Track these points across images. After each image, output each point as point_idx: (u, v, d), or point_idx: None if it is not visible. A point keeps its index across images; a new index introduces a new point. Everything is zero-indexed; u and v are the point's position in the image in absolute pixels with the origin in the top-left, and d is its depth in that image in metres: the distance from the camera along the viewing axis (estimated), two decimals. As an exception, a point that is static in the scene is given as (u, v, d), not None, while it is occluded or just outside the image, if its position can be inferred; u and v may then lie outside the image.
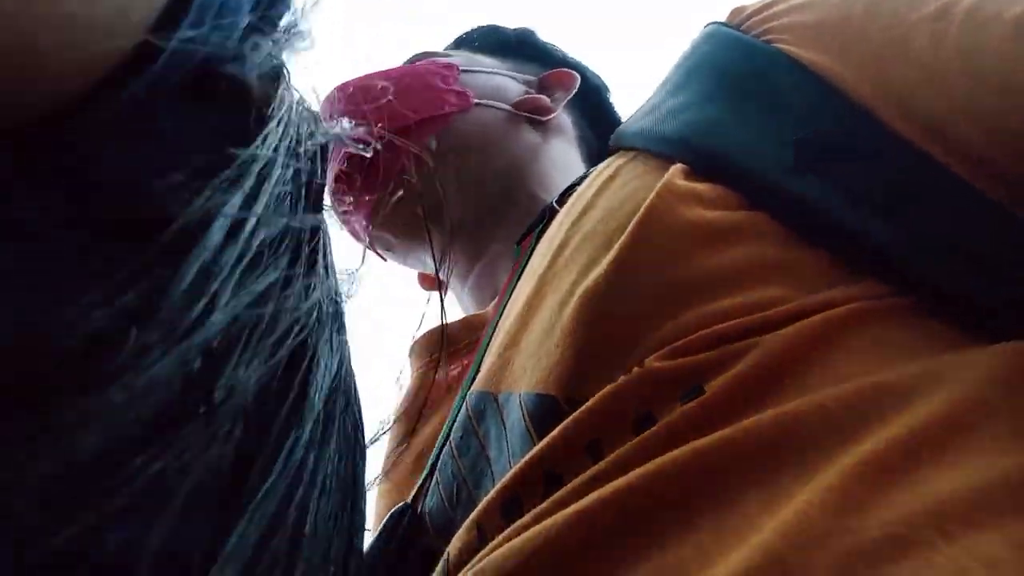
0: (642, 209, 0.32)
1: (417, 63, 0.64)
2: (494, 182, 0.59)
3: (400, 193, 0.57)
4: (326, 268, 0.24)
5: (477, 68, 0.64)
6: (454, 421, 0.40)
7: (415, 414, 0.48)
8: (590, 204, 0.38)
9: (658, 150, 0.37)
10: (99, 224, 0.17)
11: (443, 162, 0.58)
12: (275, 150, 0.21)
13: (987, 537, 0.20)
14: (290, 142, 0.22)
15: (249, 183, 0.19)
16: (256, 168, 0.20)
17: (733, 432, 0.25)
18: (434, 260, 0.62)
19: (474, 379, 0.40)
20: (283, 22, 0.23)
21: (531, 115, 0.62)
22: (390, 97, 0.58)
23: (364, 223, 0.61)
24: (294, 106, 0.23)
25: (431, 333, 0.53)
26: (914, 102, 0.30)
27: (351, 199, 0.59)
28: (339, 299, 0.26)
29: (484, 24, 0.73)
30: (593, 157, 0.67)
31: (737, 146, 0.34)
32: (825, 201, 0.30)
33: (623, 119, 0.70)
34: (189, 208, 0.17)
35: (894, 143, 0.30)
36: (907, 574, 0.19)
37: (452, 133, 0.59)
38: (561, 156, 0.64)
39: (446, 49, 0.72)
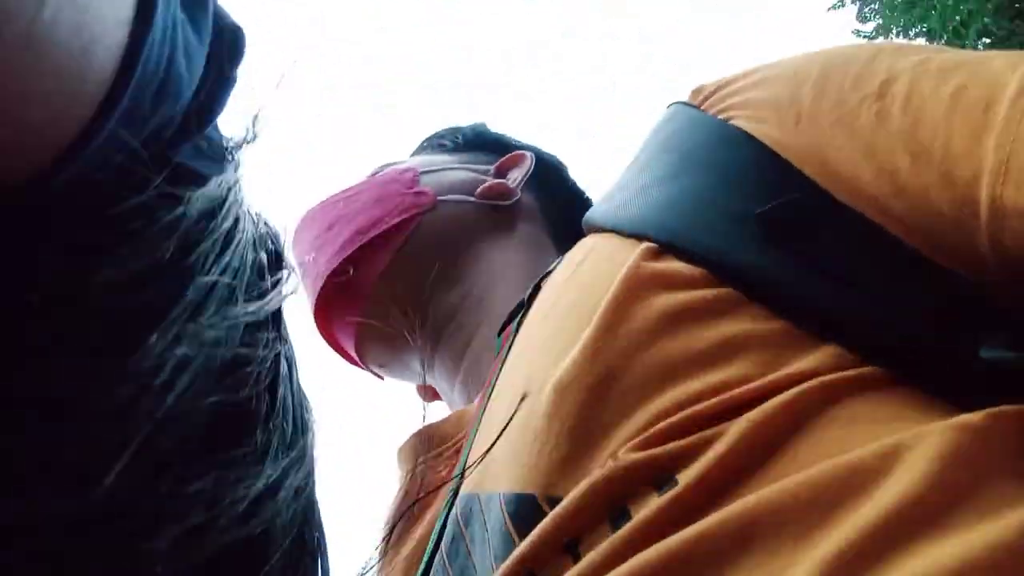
0: (608, 296, 0.33)
1: (376, 175, 0.65)
2: (470, 275, 0.59)
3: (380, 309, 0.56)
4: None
5: (434, 168, 0.65)
6: (443, 525, 0.39)
7: (404, 518, 0.45)
8: (562, 291, 0.38)
9: (624, 230, 0.37)
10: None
11: (417, 265, 0.58)
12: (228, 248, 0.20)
13: None
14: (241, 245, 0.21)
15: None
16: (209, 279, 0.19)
17: (706, 526, 0.25)
18: (422, 364, 0.61)
19: (461, 480, 0.39)
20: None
21: (494, 201, 0.62)
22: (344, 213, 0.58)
23: (353, 346, 0.61)
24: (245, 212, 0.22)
25: (419, 433, 0.51)
26: (859, 181, 0.31)
27: (335, 324, 0.59)
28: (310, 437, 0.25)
29: (442, 128, 0.75)
30: (563, 238, 0.67)
31: (700, 223, 0.34)
32: (788, 274, 0.31)
33: (586, 193, 0.71)
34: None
35: (846, 216, 0.31)
36: None
37: (421, 233, 0.59)
38: (532, 239, 0.64)
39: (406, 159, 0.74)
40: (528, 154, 0.66)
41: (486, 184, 0.63)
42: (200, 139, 0.22)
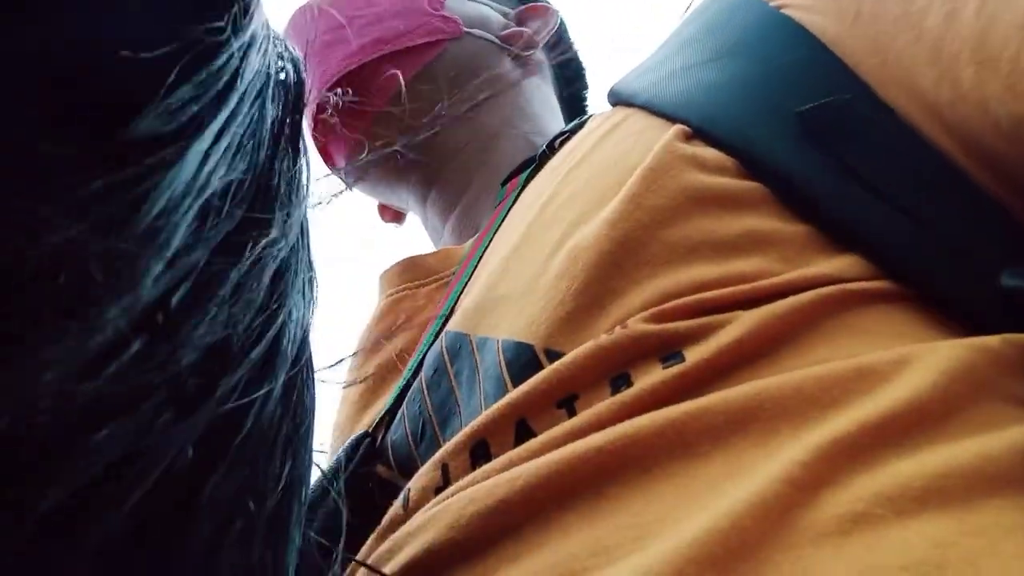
0: (640, 169, 0.32)
1: None
2: (483, 116, 0.58)
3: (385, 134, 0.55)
4: (299, 208, 0.22)
5: None
6: (423, 356, 0.40)
7: (382, 336, 0.47)
8: (585, 158, 0.37)
9: (659, 109, 0.36)
10: (56, 106, 0.15)
11: (431, 92, 0.56)
12: (251, 67, 0.19)
13: (939, 520, 0.21)
14: (274, 67, 0.20)
15: (227, 110, 0.17)
16: (236, 80, 0.18)
17: (707, 401, 0.25)
18: (418, 197, 0.61)
19: (448, 316, 0.40)
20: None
21: (515, 48, 0.61)
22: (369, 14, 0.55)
23: (345, 157, 0.60)
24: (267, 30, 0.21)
25: (404, 262, 0.53)
26: (918, 85, 0.30)
27: (332, 128, 0.58)
28: (309, 241, 0.24)
29: None
30: (565, 100, 0.67)
31: (739, 113, 0.33)
32: (823, 177, 0.30)
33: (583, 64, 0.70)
34: (166, 120, 0.15)
35: (894, 125, 0.30)
36: (859, 547, 0.20)
37: (444, 61, 0.57)
38: (543, 95, 0.63)
39: None
40: (553, 10, 0.64)
41: (512, 30, 0.61)
42: None
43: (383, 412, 0.40)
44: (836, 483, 0.22)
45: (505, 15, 0.64)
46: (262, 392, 0.19)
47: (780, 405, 0.25)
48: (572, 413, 0.28)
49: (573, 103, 0.70)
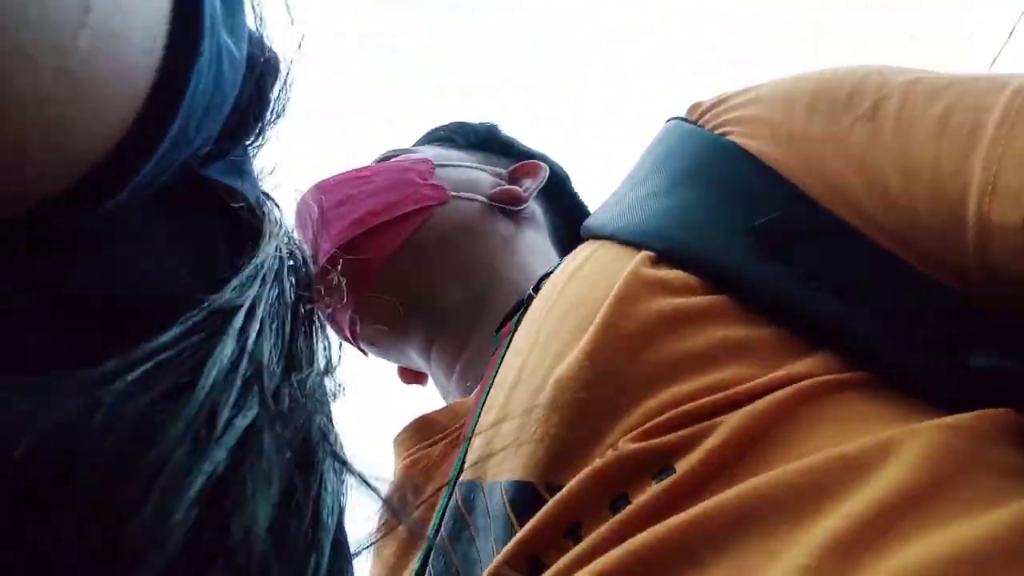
0: (610, 298, 0.34)
1: (391, 159, 0.66)
2: (475, 272, 0.61)
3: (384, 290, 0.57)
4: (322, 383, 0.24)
5: (449, 163, 0.66)
6: (443, 512, 0.40)
7: (412, 499, 0.47)
8: (562, 292, 0.39)
9: (625, 238, 0.39)
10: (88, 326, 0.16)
11: (425, 255, 0.59)
12: (270, 266, 0.21)
13: None
14: (281, 261, 0.22)
15: (251, 294, 0.19)
16: (263, 271, 0.20)
17: (702, 510, 0.26)
18: (421, 354, 0.62)
19: (461, 468, 0.41)
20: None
21: (505, 205, 0.64)
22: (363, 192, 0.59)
23: (350, 319, 0.62)
24: (282, 224, 0.23)
25: (416, 422, 0.53)
26: (852, 196, 0.33)
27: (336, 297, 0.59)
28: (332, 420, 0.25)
29: (451, 121, 0.76)
30: (563, 244, 0.69)
31: (699, 234, 0.36)
32: (784, 283, 0.32)
33: (587, 206, 0.72)
34: (206, 310, 0.17)
35: (840, 230, 0.32)
36: None
37: (432, 226, 0.60)
38: (535, 244, 0.66)
39: (414, 145, 0.75)
40: (543, 165, 0.68)
41: (500, 188, 0.65)
42: (233, 154, 0.23)
43: (415, 570, 0.40)
44: None
45: (499, 175, 0.68)
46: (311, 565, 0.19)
47: (774, 504, 0.25)
48: (578, 540, 0.29)
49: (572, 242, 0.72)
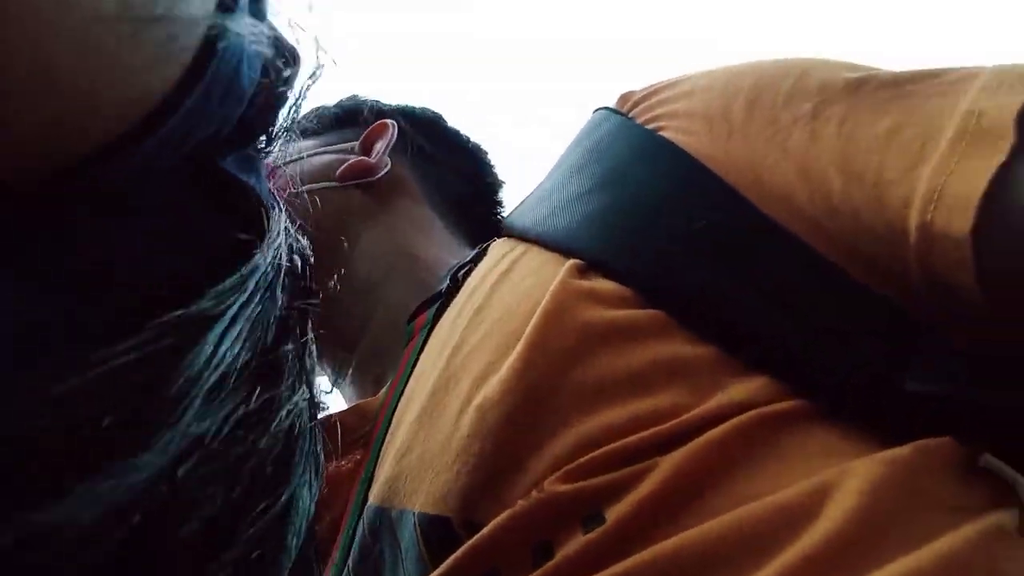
0: (539, 312, 0.32)
1: None
2: (351, 262, 0.56)
3: None
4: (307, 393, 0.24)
5: (292, 158, 0.61)
6: (351, 536, 0.37)
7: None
8: (486, 302, 0.37)
9: (552, 244, 0.36)
10: (78, 295, 0.16)
11: None
12: (263, 275, 0.20)
13: None
14: (277, 269, 0.22)
15: (242, 297, 0.19)
16: (253, 279, 0.19)
17: (629, 566, 0.25)
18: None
19: (369, 482, 0.38)
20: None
21: (359, 180, 0.59)
22: None
23: None
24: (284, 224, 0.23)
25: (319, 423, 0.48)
26: (792, 200, 0.31)
27: None
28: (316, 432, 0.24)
29: (311, 109, 0.69)
30: (444, 204, 0.64)
31: (629, 242, 0.34)
32: (717, 298, 0.31)
33: (470, 140, 0.68)
34: (194, 306, 0.17)
35: (779, 237, 0.31)
36: None
37: None
38: (410, 213, 0.61)
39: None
40: (389, 123, 0.62)
41: (346, 164, 0.59)
42: (247, 150, 0.21)
43: None
44: None
45: (350, 150, 0.62)
46: None
47: (706, 559, 0.24)
48: None
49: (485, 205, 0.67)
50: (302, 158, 0.60)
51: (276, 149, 0.23)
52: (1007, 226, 0.26)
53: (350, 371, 0.56)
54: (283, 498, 0.20)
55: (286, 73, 0.22)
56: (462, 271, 0.45)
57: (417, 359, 0.41)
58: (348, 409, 0.49)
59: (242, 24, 0.18)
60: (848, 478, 0.24)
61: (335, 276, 0.53)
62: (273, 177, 0.57)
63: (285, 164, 0.58)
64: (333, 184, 0.58)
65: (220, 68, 0.18)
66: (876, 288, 0.29)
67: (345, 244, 0.57)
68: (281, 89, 0.22)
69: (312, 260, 0.24)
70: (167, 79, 0.16)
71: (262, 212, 0.21)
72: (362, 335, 0.56)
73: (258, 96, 0.21)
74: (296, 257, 0.24)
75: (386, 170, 0.59)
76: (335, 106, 0.68)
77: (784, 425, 0.28)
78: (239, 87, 0.19)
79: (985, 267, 0.26)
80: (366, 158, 0.60)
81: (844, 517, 0.23)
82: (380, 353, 0.54)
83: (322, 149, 0.62)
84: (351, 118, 0.66)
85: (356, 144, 0.62)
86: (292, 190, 0.56)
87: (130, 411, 0.15)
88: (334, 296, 0.54)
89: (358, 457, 0.45)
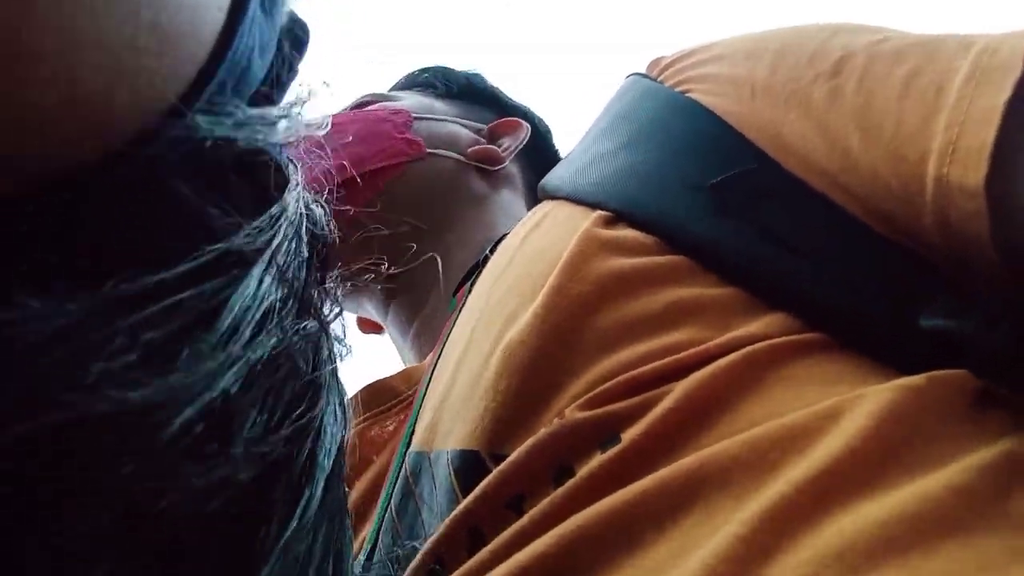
0: (563, 259, 0.33)
1: (368, 108, 0.63)
2: (443, 231, 0.59)
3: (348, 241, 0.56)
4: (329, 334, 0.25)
5: (428, 115, 0.64)
6: (395, 483, 0.39)
7: (350, 472, 0.46)
8: (515, 255, 0.38)
9: (581, 198, 0.37)
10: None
11: (393, 211, 0.57)
12: (292, 214, 0.22)
13: (892, 572, 0.20)
14: (301, 215, 0.23)
15: (275, 238, 0.20)
16: (280, 228, 0.20)
17: (646, 484, 0.25)
18: (379, 311, 0.61)
19: (411, 436, 0.40)
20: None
21: (482, 164, 0.62)
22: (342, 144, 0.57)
23: None
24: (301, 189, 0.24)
25: (368, 389, 0.52)
26: (812, 155, 0.32)
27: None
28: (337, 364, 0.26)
29: (434, 66, 0.73)
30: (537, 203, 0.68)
31: (655, 193, 0.35)
32: (739, 243, 0.31)
33: None
34: (232, 243, 0.18)
35: (798, 189, 0.32)
36: None
37: (404, 182, 0.58)
38: (509, 205, 0.64)
39: (393, 89, 0.72)
40: (525, 125, 0.66)
41: (478, 147, 0.63)
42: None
43: (367, 548, 0.39)
44: (780, 549, 0.22)
45: (478, 131, 0.66)
46: (304, 496, 0.20)
47: (719, 478, 0.24)
48: (520, 513, 0.28)
49: None
50: (436, 120, 0.63)
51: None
52: (1021, 175, 0.26)
53: (411, 336, 0.59)
54: (316, 417, 0.21)
55: (298, 51, 0.23)
56: (501, 240, 0.46)
57: (456, 323, 0.43)
58: (397, 373, 0.52)
59: (255, 10, 0.19)
60: (860, 402, 0.25)
61: (419, 240, 0.57)
62: (406, 128, 0.60)
63: (420, 119, 0.62)
64: (460, 158, 0.61)
65: (233, 61, 0.18)
66: (892, 237, 0.30)
67: (444, 217, 0.59)
68: (293, 69, 0.23)
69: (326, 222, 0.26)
70: (183, 80, 0.17)
71: (280, 170, 0.22)
72: (425, 304, 0.58)
73: (270, 75, 0.21)
74: (315, 208, 0.25)
75: (507, 164, 0.63)
76: (464, 75, 0.71)
77: (798, 354, 0.28)
78: (251, 77, 0.20)
79: (999, 218, 0.26)
80: (496, 148, 0.63)
81: (853, 438, 0.23)
82: (434, 322, 0.56)
83: (454, 119, 0.65)
84: (475, 95, 0.70)
85: (485, 128, 0.66)
86: (424, 148, 0.60)
87: (188, 340, 0.16)
88: (415, 265, 0.57)
89: (402, 418, 0.48)
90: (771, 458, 0.24)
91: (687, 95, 0.38)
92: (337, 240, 0.29)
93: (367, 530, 0.43)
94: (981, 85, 0.27)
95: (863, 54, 0.32)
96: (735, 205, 0.32)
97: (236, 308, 0.18)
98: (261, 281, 0.19)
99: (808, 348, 0.29)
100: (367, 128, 0.60)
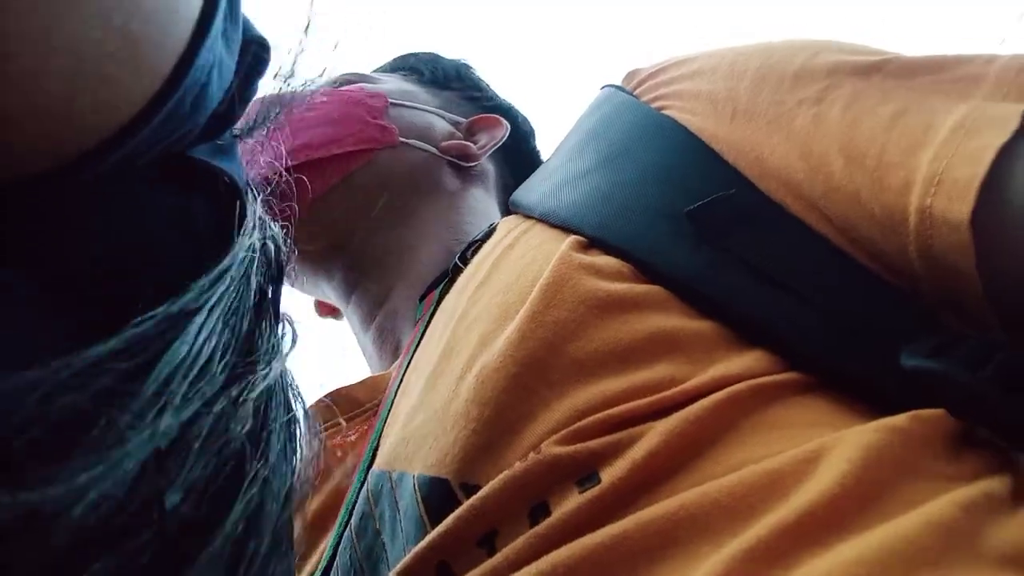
0: (538, 285, 0.32)
1: (345, 88, 0.60)
2: (409, 224, 0.57)
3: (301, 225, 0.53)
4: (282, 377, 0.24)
5: (407, 103, 0.61)
6: (354, 500, 0.38)
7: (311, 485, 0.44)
8: (489, 274, 0.37)
9: (555, 221, 0.37)
10: (64, 294, 0.17)
11: (358, 198, 0.55)
12: (240, 264, 0.21)
13: None
14: (257, 246, 0.22)
15: (222, 288, 0.19)
16: (231, 272, 0.20)
17: (625, 526, 0.25)
18: (340, 298, 0.59)
19: (374, 452, 0.38)
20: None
21: (455, 160, 0.60)
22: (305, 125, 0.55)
23: None
24: (259, 212, 0.23)
25: (331, 396, 0.51)
26: (793, 181, 0.31)
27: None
28: (294, 405, 0.25)
29: (424, 52, 0.71)
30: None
31: (630, 219, 0.34)
32: (717, 275, 0.31)
33: None
34: (173, 304, 0.18)
35: (778, 215, 0.31)
36: None
37: (372, 170, 0.56)
38: (478, 204, 0.62)
39: (378, 71, 0.69)
40: (504, 123, 0.64)
41: (452, 141, 0.61)
42: (219, 139, 0.21)
43: (322, 566, 0.37)
44: None
45: (456, 124, 0.64)
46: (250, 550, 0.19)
47: (698, 522, 0.24)
48: (492, 551, 0.27)
49: None
50: (413, 108, 0.61)
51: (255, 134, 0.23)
52: (1009, 211, 0.26)
53: (372, 331, 0.57)
54: (261, 470, 0.21)
55: (257, 69, 0.22)
56: (471, 249, 0.46)
57: (424, 333, 0.42)
58: (359, 382, 0.50)
59: (217, 37, 0.18)
60: (840, 444, 0.25)
61: (382, 230, 0.55)
62: (381, 114, 0.57)
63: (397, 105, 0.59)
64: (432, 150, 0.59)
65: (194, 77, 0.18)
66: (872, 268, 0.30)
67: (410, 208, 0.57)
68: (252, 86, 0.22)
69: (285, 246, 0.25)
70: (145, 92, 0.17)
71: (238, 194, 0.21)
72: (387, 298, 0.56)
73: (229, 92, 0.21)
74: (269, 243, 0.24)
75: (481, 161, 0.62)
76: (452, 65, 0.69)
77: (779, 395, 0.28)
78: (210, 94, 0.19)
79: (985, 252, 0.26)
80: (471, 144, 0.61)
81: (833, 482, 0.23)
82: (398, 320, 0.55)
83: (433, 110, 0.63)
84: (460, 86, 0.68)
85: (464, 122, 0.64)
86: (396, 137, 0.57)
87: (116, 402, 0.15)
88: (377, 254, 0.56)
89: (365, 428, 0.46)
90: (751, 502, 0.24)
91: (663, 112, 0.37)
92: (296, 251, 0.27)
93: (326, 541, 0.41)
94: (971, 133, 0.27)
95: (849, 83, 0.31)
96: (712, 234, 0.32)
97: (166, 370, 0.17)
98: (199, 334, 0.18)
99: (789, 389, 0.28)
100: (339, 109, 0.57)
